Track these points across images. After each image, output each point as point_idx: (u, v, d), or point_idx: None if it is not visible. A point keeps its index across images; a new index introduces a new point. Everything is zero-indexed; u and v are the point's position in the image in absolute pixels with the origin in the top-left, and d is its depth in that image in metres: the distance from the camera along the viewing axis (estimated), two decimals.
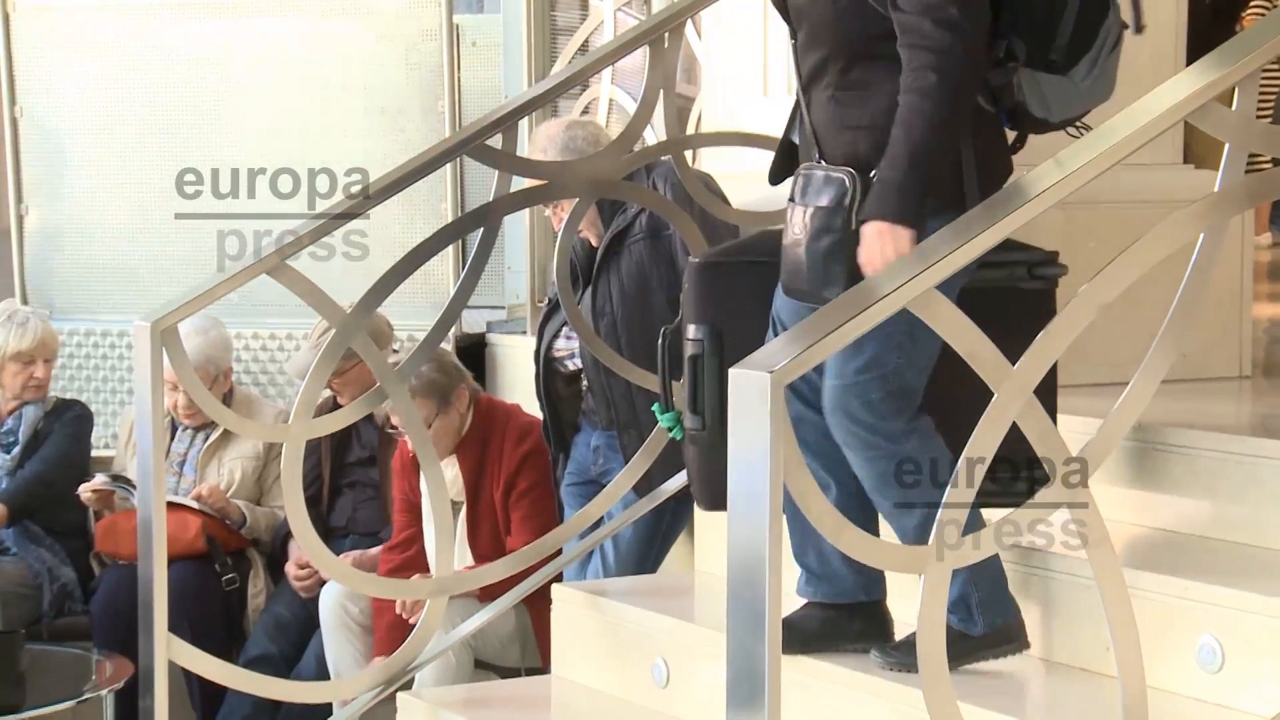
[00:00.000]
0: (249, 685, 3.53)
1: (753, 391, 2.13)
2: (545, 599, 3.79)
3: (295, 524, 3.49)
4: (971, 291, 2.82)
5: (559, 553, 3.81)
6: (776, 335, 2.85)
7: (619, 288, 4.15)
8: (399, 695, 3.58)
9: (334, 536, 4.71)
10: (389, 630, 4.33)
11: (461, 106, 5.56)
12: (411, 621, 4.13)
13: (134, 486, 4.73)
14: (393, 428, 4.50)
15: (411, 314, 5.03)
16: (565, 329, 4.33)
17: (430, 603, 3.59)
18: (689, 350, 3.05)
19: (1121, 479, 2.95)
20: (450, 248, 4.97)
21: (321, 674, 4.49)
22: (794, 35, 2.83)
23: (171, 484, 4.86)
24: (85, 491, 4.92)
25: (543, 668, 4.12)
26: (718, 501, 3.04)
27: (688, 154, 3.84)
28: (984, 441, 2.27)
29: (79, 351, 5.78)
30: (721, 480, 2.95)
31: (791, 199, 2.80)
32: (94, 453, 5.23)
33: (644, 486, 3.79)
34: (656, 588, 3.67)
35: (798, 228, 2.75)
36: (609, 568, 4.11)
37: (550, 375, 4.39)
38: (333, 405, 4.50)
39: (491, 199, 3.60)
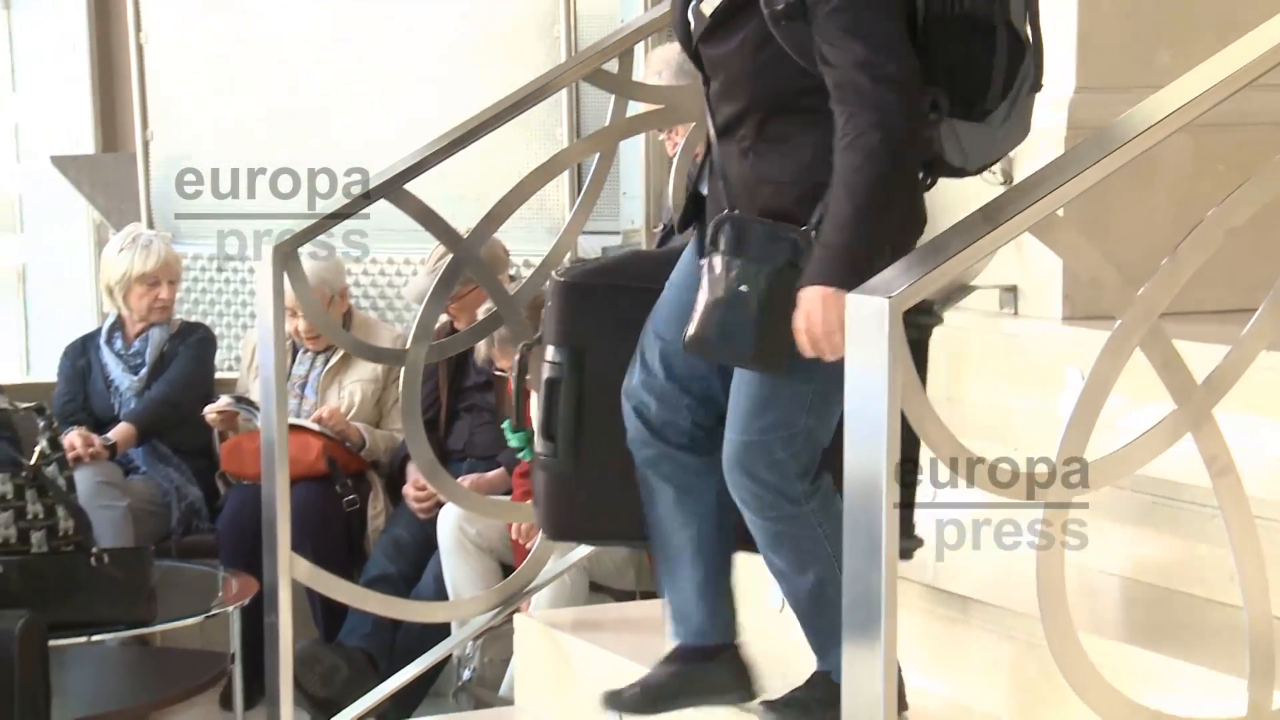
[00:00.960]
0: (370, 604, 3.59)
1: (870, 317, 2.11)
2: None
3: (413, 447, 3.53)
4: None
5: None
6: (643, 364, 2.76)
7: None
8: (516, 617, 3.63)
9: (451, 460, 4.76)
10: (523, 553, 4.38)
11: (578, 32, 5.54)
12: (527, 546, 4.17)
13: (256, 408, 4.81)
14: (499, 370, 4.51)
15: (527, 239, 5.05)
16: None
17: None
18: (546, 372, 2.93)
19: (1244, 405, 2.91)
20: (566, 173, 4.97)
21: (440, 595, 4.55)
22: (707, 83, 2.67)
23: (293, 406, 4.93)
24: (210, 413, 5.01)
25: (656, 592, 4.15)
26: (563, 530, 3.06)
27: None
28: (1103, 378, 2.24)
29: (203, 275, 5.87)
30: (569, 509, 2.98)
31: (714, 250, 2.58)
32: (217, 375, 5.32)
33: None
34: None
35: (723, 286, 2.56)
36: None
37: None
38: (450, 330, 4.54)
39: (607, 124, 3.60)
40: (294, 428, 4.49)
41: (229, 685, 4.55)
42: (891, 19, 2.50)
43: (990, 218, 2.21)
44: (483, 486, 4.57)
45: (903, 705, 2.65)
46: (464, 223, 3.62)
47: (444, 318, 4.53)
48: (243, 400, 5.05)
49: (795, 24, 2.52)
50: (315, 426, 4.91)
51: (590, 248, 5.48)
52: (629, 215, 5.61)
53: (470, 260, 3.51)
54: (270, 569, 3.30)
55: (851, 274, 2.37)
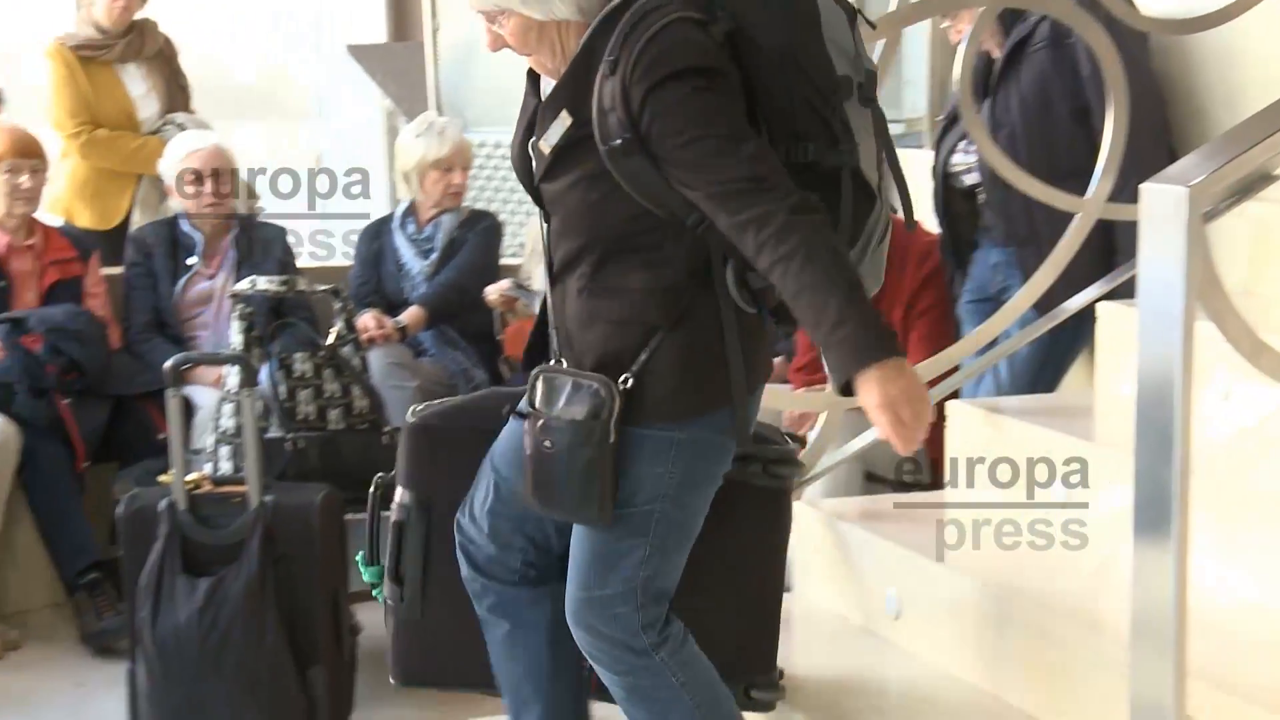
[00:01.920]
0: None
1: (1167, 206, 2.05)
2: (939, 415, 3.78)
3: None
4: None
5: (953, 370, 3.79)
6: (478, 501, 2.70)
7: (1019, 99, 4.04)
8: (794, 505, 3.65)
9: None
10: None
11: None
12: (801, 435, 4.18)
13: (535, 295, 4.92)
14: None
15: None
16: (963, 143, 4.25)
17: (827, 415, 3.63)
18: (395, 515, 2.83)
19: None
20: None
21: None
22: (546, 220, 2.59)
23: None
24: (492, 294, 5.14)
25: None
26: (411, 676, 2.92)
27: None
28: None
29: (488, 163, 5.99)
30: (419, 655, 2.88)
31: (532, 404, 2.55)
32: (501, 261, 5.44)
33: (1044, 304, 3.71)
34: (1054, 407, 3.61)
35: (546, 441, 2.51)
36: (1003, 386, 4.06)
37: (948, 191, 4.32)
38: None
39: (891, 9, 3.54)
40: None
41: None
42: (753, 139, 2.41)
43: None
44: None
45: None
46: None
47: None
48: (522, 287, 5.16)
49: (633, 160, 2.43)
50: None
51: None
52: (911, 103, 5.53)
53: None
54: None
55: (876, 345, 2.35)
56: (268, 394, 4.10)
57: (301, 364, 4.21)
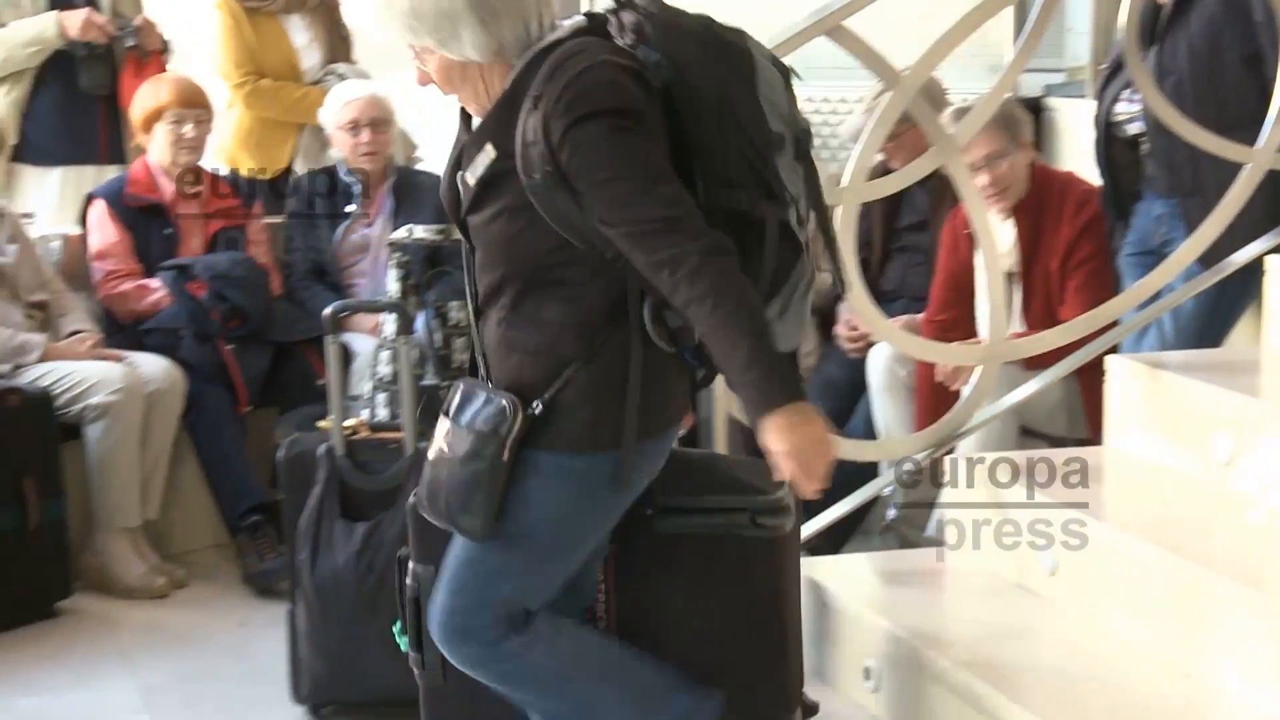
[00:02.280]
0: None
1: None
2: (1097, 370, 3.72)
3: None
4: (690, 539, 2.75)
5: (1114, 324, 3.72)
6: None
7: (1187, 45, 3.94)
8: (947, 458, 3.62)
9: (884, 300, 4.74)
10: (931, 397, 4.36)
11: None
12: (953, 389, 4.14)
13: None
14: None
15: (967, 77, 4.93)
16: (1127, 91, 4.16)
17: (983, 369, 3.59)
18: (410, 591, 2.86)
19: None
20: (1010, 7, 4.82)
21: (869, 434, 4.57)
22: (472, 252, 2.63)
23: None
24: None
25: (1090, 438, 4.07)
26: None
27: None
28: None
29: None
30: (447, 717, 2.91)
31: (445, 412, 2.63)
32: None
33: (1209, 258, 3.63)
34: (1220, 362, 3.54)
35: (445, 446, 2.60)
36: (1167, 341, 3.98)
37: (1110, 141, 4.24)
38: (884, 170, 4.51)
39: None
40: None
41: None
42: (671, 181, 2.45)
43: None
44: (916, 327, 4.54)
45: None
46: (902, 60, 3.56)
47: (879, 157, 4.50)
48: None
49: (554, 193, 2.47)
50: None
51: (1031, 85, 5.33)
52: (1074, 52, 5.42)
53: (909, 98, 3.46)
54: (705, 403, 3.38)
55: (780, 391, 2.40)
56: (424, 342, 4.14)
57: (457, 312, 4.24)
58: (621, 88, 2.47)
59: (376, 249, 5.00)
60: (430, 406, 3.93)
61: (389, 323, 4.09)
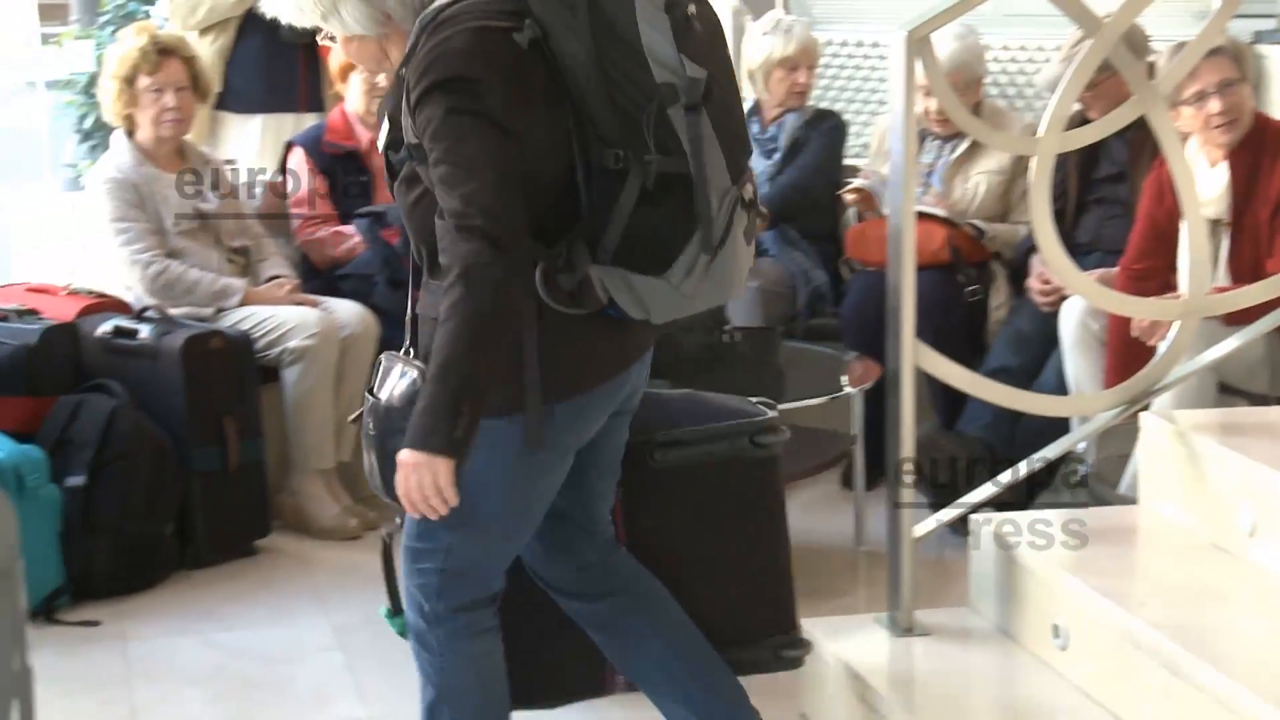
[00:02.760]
0: (992, 394, 3.58)
1: None
2: None
3: (1041, 238, 3.47)
4: (694, 469, 2.87)
5: None
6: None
7: None
8: (1141, 415, 3.54)
9: (1078, 253, 4.64)
10: (1124, 352, 4.26)
11: None
12: (1150, 344, 4.04)
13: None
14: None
15: (1171, 24, 4.79)
16: None
17: (1182, 324, 3.50)
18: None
19: None
20: None
21: (1059, 389, 4.49)
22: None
23: (918, 195, 4.93)
24: (847, 193, 5.09)
25: None
26: (518, 700, 2.89)
27: None
28: None
29: (834, 61, 5.92)
30: (519, 680, 2.87)
31: (369, 389, 2.65)
32: (845, 162, 5.39)
33: None
34: None
35: (370, 423, 2.61)
36: None
37: None
38: (1080, 120, 4.40)
39: None
40: (920, 215, 4.51)
41: (849, 466, 4.68)
42: (488, 169, 2.43)
43: None
44: (1110, 281, 4.44)
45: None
46: (1103, 7, 3.47)
47: (1076, 106, 4.39)
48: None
49: (425, 167, 2.50)
50: (941, 213, 4.90)
51: (1242, 31, 5.15)
52: None
53: (1110, 45, 3.37)
54: (893, 354, 3.35)
55: (435, 437, 2.41)
56: None
57: None
58: (469, 56, 2.46)
59: None
60: None
61: None
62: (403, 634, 2.85)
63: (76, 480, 4.16)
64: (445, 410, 2.43)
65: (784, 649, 3.03)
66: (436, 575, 2.68)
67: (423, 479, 2.46)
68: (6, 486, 3.90)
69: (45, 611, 4.03)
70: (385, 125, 2.61)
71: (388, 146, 2.61)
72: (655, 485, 2.92)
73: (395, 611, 2.90)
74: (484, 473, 2.57)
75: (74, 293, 4.67)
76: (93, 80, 8.41)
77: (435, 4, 2.55)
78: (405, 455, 2.47)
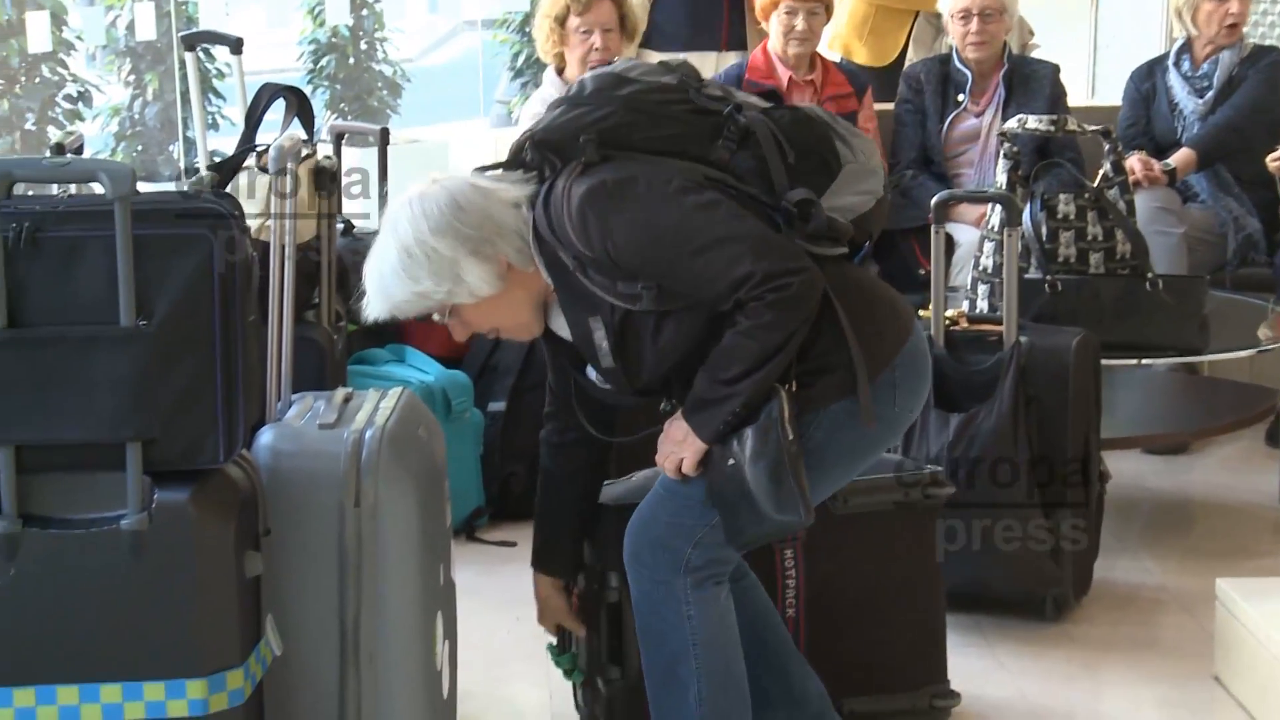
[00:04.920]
0: None
1: None
2: None
3: None
4: (869, 516, 2.99)
5: None
6: None
7: None
8: None
9: None
10: None
11: None
12: None
13: None
14: None
15: None
16: None
17: None
18: (609, 598, 2.87)
19: None
20: None
21: None
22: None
23: None
24: (1273, 161, 4.82)
25: None
26: None
27: None
28: None
29: None
30: None
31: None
32: None
33: None
34: None
35: (719, 458, 2.59)
36: None
37: None
38: None
39: None
40: None
41: (1275, 422, 4.47)
42: (729, 224, 2.48)
43: None
44: None
45: None
46: None
47: None
48: None
49: (661, 294, 2.53)
50: None
51: None
52: None
53: None
54: None
55: (703, 426, 2.53)
56: (1029, 234, 4.08)
57: (1065, 205, 4.15)
58: (610, 168, 2.56)
59: (985, 139, 4.94)
60: (1028, 300, 3.89)
61: (995, 213, 4.04)
62: (570, 671, 2.97)
63: (498, 406, 4.34)
64: (727, 412, 2.52)
65: (937, 698, 3.12)
66: (705, 529, 2.64)
67: (683, 454, 2.58)
68: (435, 409, 4.09)
69: (466, 530, 4.24)
70: (598, 323, 2.57)
71: (616, 355, 2.59)
72: (835, 530, 2.98)
73: (562, 650, 3.00)
74: (825, 455, 2.60)
75: None
76: (526, 19, 8.72)
77: (536, 209, 2.55)
78: (676, 428, 2.58)
